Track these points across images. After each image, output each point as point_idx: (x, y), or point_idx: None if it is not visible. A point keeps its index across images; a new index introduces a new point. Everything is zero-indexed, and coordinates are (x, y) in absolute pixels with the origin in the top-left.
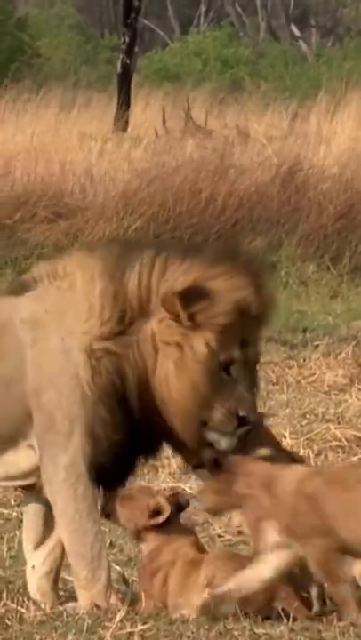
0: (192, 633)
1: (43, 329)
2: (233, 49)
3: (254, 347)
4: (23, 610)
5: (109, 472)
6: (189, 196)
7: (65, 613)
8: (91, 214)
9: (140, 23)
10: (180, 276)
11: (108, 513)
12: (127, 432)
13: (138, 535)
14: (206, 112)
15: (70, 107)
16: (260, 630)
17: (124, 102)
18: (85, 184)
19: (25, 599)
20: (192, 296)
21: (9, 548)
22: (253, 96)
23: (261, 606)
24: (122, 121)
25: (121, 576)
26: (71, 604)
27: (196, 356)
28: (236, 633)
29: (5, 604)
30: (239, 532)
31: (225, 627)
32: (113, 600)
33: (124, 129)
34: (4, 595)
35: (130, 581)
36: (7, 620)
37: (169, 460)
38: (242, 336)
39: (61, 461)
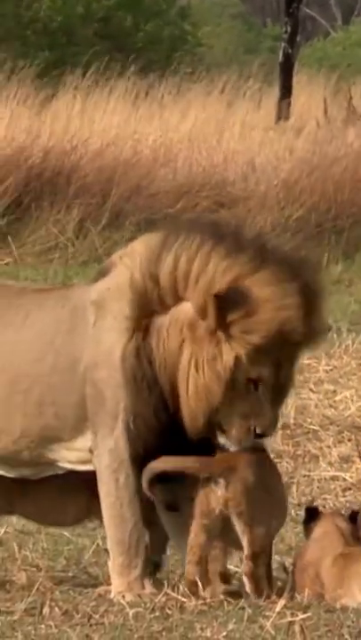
0: (352, 622)
1: (103, 308)
2: None
3: (288, 369)
4: (184, 599)
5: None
6: (351, 185)
7: (225, 603)
8: (253, 204)
9: (302, 12)
10: (221, 272)
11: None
12: (165, 419)
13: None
14: None
15: (232, 96)
16: None
17: (286, 91)
18: (248, 173)
19: (185, 588)
20: (230, 301)
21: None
22: None
23: None
24: (284, 110)
25: (281, 565)
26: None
27: (221, 368)
28: None
29: (166, 594)
30: None
31: None
32: (148, 589)
33: (286, 118)
34: (165, 584)
35: (290, 570)
36: (168, 610)
37: (330, 448)
38: (277, 358)
39: (107, 444)
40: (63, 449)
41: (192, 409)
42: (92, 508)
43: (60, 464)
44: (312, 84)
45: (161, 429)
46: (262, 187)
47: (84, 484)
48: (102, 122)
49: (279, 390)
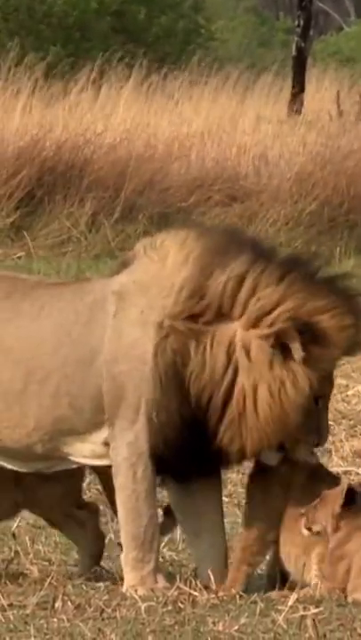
0: None
1: (126, 300)
2: None
3: (333, 377)
4: (196, 593)
5: (172, 463)
6: None
7: (237, 597)
8: (265, 197)
9: (316, 6)
10: (275, 301)
11: None
12: (187, 416)
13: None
14: None
15: (245, 89)
16: None
17: (299, 85)
18: (260, 167)
19: (197, 582)
20: (309, 334)
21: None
22: None
23: None
24: (296, 104)
25: None
26: None
27: (300, 395)
28: None
29: (178, 588)
30: None
31: None
32: (160, 583)
33: (299, 112)
34: (177, 578)
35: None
36: (180, 604)
37: (342, 443)
38: (332, 371)
39: (126, 437)
40: (77, 442)
41: (265, 433)
42: (21, 503)
43: (73, 458)
44: (325, 77)
45: (182, 426)
46: (275, 180)
47: (14, 479)
48: (115, 115)
49: (328, 398)
